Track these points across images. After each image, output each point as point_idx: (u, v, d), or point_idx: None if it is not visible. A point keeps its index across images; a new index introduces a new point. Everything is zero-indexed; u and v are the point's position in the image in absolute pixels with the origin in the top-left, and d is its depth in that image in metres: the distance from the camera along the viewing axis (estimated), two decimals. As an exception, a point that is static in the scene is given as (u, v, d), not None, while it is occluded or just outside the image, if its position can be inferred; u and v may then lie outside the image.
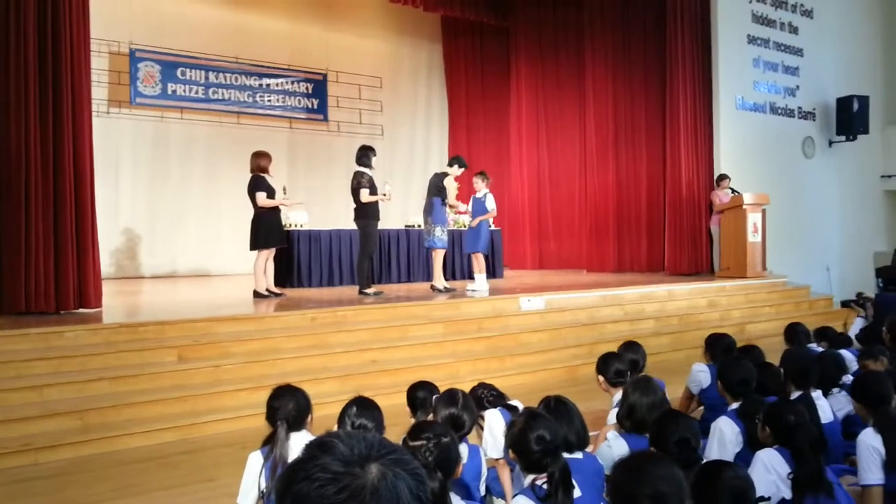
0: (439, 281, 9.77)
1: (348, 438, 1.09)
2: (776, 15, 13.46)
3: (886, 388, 3.67)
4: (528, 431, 2.82)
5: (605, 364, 4.44)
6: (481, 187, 9.92)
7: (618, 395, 4.27)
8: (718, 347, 5.09)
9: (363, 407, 3.27)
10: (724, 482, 2.43)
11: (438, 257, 9.81)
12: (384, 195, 9.28)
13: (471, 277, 10.58)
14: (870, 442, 3.31)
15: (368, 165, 9.23)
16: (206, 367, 6.30)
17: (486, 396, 3.97)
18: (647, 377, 3.88)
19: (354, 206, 9.24)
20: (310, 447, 1.09)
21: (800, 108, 13.90)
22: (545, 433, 2.81)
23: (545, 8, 15.29)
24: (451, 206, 9.65)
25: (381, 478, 1.03)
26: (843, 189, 14.63)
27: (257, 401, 5.58)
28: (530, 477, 2.81)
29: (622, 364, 4.40)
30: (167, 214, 13.26)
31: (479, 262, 9.99)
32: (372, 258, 9.90)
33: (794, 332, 5.87)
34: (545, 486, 2.71)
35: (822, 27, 14.28)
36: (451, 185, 9.65)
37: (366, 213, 9.20)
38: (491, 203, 9.92)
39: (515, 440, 2.87)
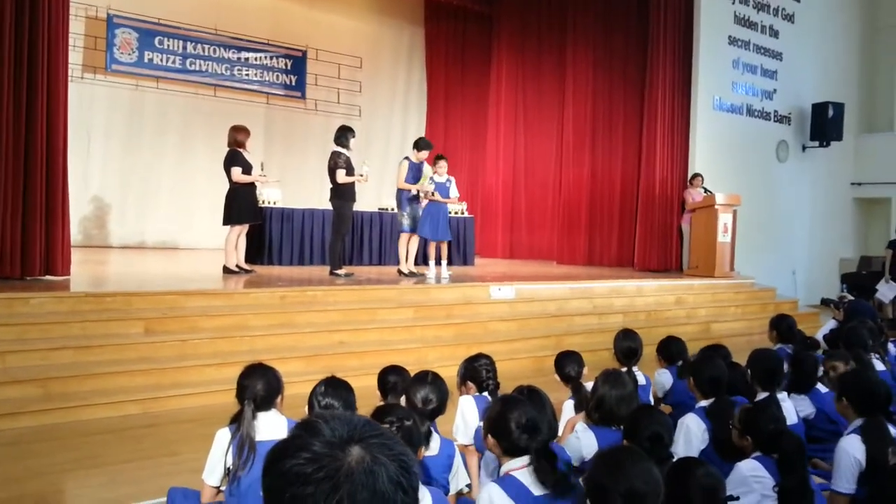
0: (405, 265, 9.77)
1: (332, 420, 1.11)
2: (758, 18, 13.55)
3: (881, 391, 3.54)
4: (507, 414, 2.82)
5: (559, 364, 4.51)
6: (443, 172, 9.77)
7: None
8: (671, 351, 5.17)
9: (332, 387, 3.26)
10: (696, 480, 2.45)
11: (402, 242, 9.80)
12: (360, 176, 9.23)
13: (448, 263, 10.44)
14: (852, 452, 3.26)
15: (346, 146, 9.18)
16: (173, 340, 6.24)
17: (486, 367, 4.06)
18: (617, 371, 3.91)
19: (330, 185, 9.19)
20: (297, 427, 1.13)
21: (776, 111, 14.02)
22: (524, 415, 2.81)
23: (529, -3, 15.29)
24: (400, 189, 9.57)
25: (360, 461, 1.05)
26: (814, 194, 14.81)
27: (223, 377, 5.57)
28: (508, 463, 2.80)
29: (574, 364, 4.45)
30: (139, 185, 13.11)
31: (441, 250, 9.94)
32: (344, 239, 9.85)
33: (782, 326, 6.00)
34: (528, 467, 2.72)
35: (802, 32, 14.41)
36: (401, 170, 9.61)
37: (341, 194, 9.14)
38: (455, 190, 9.86)
39: (494, 424, 2.86)
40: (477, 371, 4.05)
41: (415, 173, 9.63)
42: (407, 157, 9.72)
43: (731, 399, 3.95)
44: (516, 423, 2.78)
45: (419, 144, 9.80)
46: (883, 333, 6.41)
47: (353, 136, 9.35)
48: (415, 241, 9.92)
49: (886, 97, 15.86)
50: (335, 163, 9.04)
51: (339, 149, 9.14)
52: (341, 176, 9.00)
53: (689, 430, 3.69)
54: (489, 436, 2.88)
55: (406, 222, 9.65)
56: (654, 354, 5.40)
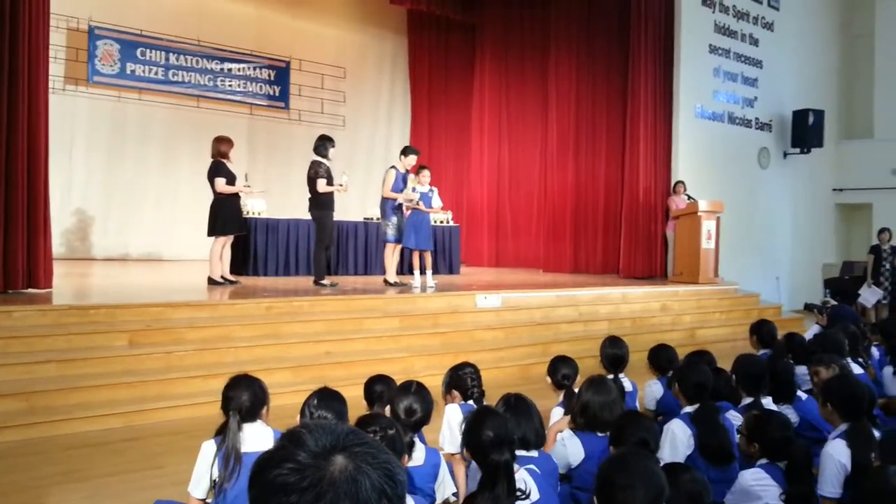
0: (390, 275, 9.76)
1: (316, 430, 1.12)
2: (738, 26, 13.67)
3: (864, 396, 3.55)
4: (480, 427, 2.83)
5: (554, 368, 4.52)
6: (426, 182, 9.73)
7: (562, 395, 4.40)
8: (661, 360, 5.17)
9: (324, 398, 3.26)
10: (682, 485, 2.47)
11: (388, 252, 9.79)
12: (340, 186, 9.22)
13: (434, 272, 10.34)
14: (838, 457, 3.25)
15: (325, 156, 9.17)
16: (158, 353, 6.20)
17: (471, 375, 4.08)
18: (602, 377, 3.93)
19: (309, 195, 9.17)
20: (282, 438, 1.14)
21: (757, 119, 14.13)
22: (496, 429, 2.81)
23: (512, 6, 15.34)
24: (385, 198, 9.55)
25: (342, 470, 1.06)
26: (796, 200, 14.93)
27: (209, 388, 5.55)
28: None
29: (569, 370, 4.46)
30: (122, 196, 13.04)
31: (425, 260, 9.84)
32: (328, 249, 9.83)
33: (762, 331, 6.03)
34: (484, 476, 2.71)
35: (781, 40, 14.54)
36: (388, 178, 9.59)
37: (321, 204, 9.14)
38: (438, 200, 9.81)
39: (465, 437, 2.87)
40: (462, 379, 4.06)
41: (401, 183, 9.61)
42: (394, 166, 9.70)
43: (716, 405, 3.97)
44: (488, 437, 2.78)
45: (406, 151, 9.77)
46: (866, 338, 6.46)
47: (333, 146, 9.33)
48: (399, 250, 9.92)
49: (865, 104, 16.01)
50: (315, 172, 9.03)
51: (319, 158, 9.14)
52: (321, 185, 9.00)
53: (674, 435, 3.71)
54: (465, 448, 2.89)
55: (391, 232, 9.62)
56: (641, 361, 5.40)
